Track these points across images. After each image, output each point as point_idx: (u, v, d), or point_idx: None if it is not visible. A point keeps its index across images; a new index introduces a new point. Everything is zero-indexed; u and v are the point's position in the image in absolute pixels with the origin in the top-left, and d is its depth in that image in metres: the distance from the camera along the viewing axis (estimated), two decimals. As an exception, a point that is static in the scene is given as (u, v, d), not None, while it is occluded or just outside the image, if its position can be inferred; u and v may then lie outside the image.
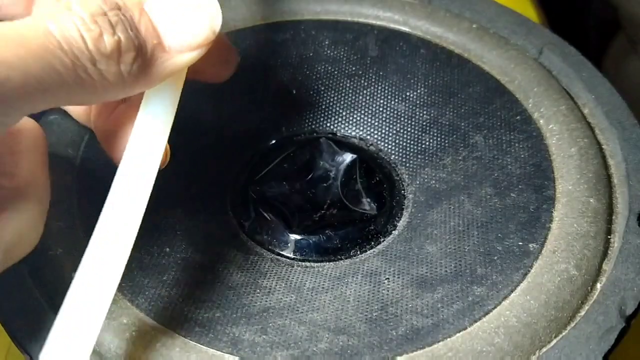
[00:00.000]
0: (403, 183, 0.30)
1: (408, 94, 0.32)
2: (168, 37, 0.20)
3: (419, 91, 0.31)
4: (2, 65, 0.16)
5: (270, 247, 0.28)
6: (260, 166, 0.31)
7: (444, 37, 0.32)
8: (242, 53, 0.32)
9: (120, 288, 0.23)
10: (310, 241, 0.28)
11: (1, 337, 0.23)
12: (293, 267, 0.27)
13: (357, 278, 0.25)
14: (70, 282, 0.20)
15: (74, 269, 0.23)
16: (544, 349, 0.21)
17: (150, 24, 0.19)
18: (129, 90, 0.20)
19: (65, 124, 0.28)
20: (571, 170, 0.26)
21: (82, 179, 0.27)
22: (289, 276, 0.26)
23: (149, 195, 0.20)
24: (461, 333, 0.22)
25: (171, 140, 0.27)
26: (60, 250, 0.23)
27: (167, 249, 0.25)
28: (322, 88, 0.32)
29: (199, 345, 0.21)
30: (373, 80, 0.32)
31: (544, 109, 0.29)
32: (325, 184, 0.29)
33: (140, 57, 0.19)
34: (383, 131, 0.31)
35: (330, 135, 0.32)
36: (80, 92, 0.18)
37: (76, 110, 0.27)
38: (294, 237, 0.28)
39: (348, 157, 0.30)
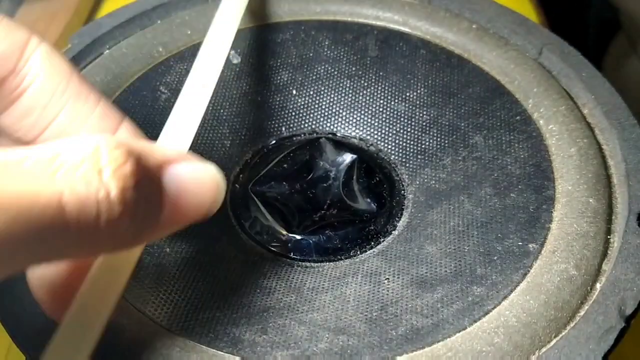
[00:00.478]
0: (403, 183, 0.30)
1: (408, 94, 0.32)
2: (179, 209, 0.17)
3: (419, 91, 0.31)
4: None
5: (270, 247, 0.28)
6: (260, 166, 0.31)
7: (443, 38, 0.32)
8: (242, 53, 0.33)
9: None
10: (310, 241, 0.28)
11: (1, 337, 0.23)
12: (293, 267, 0.27)
13: (357, 278, 0.25)
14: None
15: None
16: (544, 349, 0.21)
17: (170, 195, 0.17)
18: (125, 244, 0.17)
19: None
20: (571, 170, 0.26)
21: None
22: (289, 276, 0.26)
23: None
24: (461, 333, 0.22)
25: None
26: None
27: (167, 249, 0.25)
28: (322, 88, 0.32)
29: (199, 345, 0.21)
30: (373, 80, 0.32)
31: (543, 109, 0.29)
32: (325, 184, 0.29)
33: (146, 226, 0.16)
34: (383, 131, 0.32)
35: (330, 135, 0.32)
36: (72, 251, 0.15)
37: None
38: (294, 237, 0.28)
39: (348, 157, 0.30)
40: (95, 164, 0.14)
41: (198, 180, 0.18)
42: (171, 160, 0.17)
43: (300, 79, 0.33)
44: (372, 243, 0.28)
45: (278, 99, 0.32)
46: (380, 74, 0.32)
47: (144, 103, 0.30)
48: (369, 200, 0.29)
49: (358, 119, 0.32)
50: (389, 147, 0.31)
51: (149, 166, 0.16)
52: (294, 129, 0.32)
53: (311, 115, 0.32)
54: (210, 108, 0.31)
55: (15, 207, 0.13)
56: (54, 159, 0.14)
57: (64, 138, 0.15)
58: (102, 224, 0.14)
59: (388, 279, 0.25)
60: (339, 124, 0.32)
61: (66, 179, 0.14)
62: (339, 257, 0.27)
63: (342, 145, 0.31)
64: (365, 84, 0.32)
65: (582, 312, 0.22)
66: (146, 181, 0.16)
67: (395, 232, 0.28)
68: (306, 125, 0.32)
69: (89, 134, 0.18)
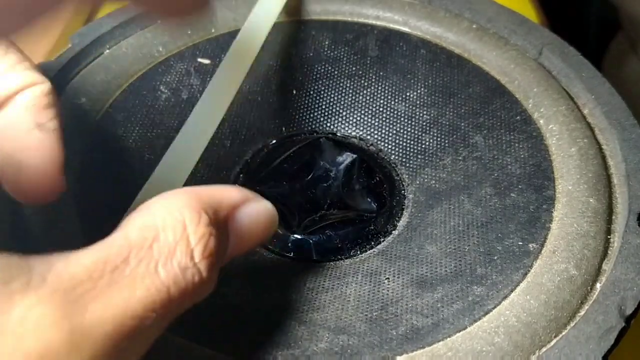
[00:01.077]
0: (403, 183, 0.30)
1: (408, 94, 0.32)
2: (242, 245, 0.19)
3: (419, 91, 0.31)
4: None
5: (270, 247, 0.28)
6: (260, 166, 0.31)
7: (443, 37, 0.32)
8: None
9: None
10: (310, 241, 0.28)
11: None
12: (293, 267, 0.27)
13: (357, 278, 0.25)
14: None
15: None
16: (544, 349, 0.21)
17: (235, 235, 0.19)
18: None
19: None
20: (571, 170, 0.26)
21: (83, 180, 0.27)
22: (289, 276, 0.26)
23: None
24: (461, 333, 0.22)
25: (171, 139, 0.27)
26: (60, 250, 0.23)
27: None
28: (322, 88, 0.32)
29: (199, 345, 0.21)
30: (373, 80, 0.32)
31: (544, 109, 0.29)
32: (325, 184, 0.29)
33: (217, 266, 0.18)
34: (383, 131, 0.32)
35: (330, 135, 0.32)
36: None
37: None
38: (294, 237, 0.28)
39: (348, 157, 0.30)
40: (187, 247, 0.16)
41: (259, 219, 0.19)
42: (238, 205, 0.19)
43: (300, 79, 0.33)
44: (372, 243, 0.28)
45: (278, 99, 0.32)
46: (381, 73, 0.32)
47: (144, 103, 0.30)
48: (369, 200, 0.29)
49: (358, 118, 0.32)
50: (389, 147, 0.31)
51: (221, 219, 0.18)
52: (294, 129, 0.32)
53: (311, 115, 0.32)
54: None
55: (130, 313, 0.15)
56: (151, 247, 0.16)
57: (148, 207, 0.17)
58: (192, 294, 0.16)
59: (388, 278, 0.25)
60: (339, 123, 0.32)
61: (167, 270, 0.16)
62: (339, 257, 0.27)
63: (342, 145, 0.31)
64: (366, 84, 0.32)
65: (582, 312, 0.22)
66: (222, 232, 0.18)
67: (396, 232, 0.28)
68: (306, 125, 0.32)
69: (171, 193, 0.18)
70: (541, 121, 0.28)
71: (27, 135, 0.20)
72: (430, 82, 0.31)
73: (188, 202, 0.17)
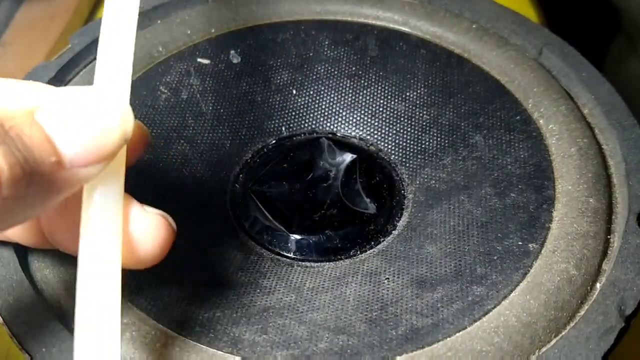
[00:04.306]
0: (403, 183, 0.30)
1: (408, 94, 0.32)
2: (68, 151, 0.16)
3: (419, 91, 0.31)
4: None
5: (270, 247, 0.28)
6: (260, 166, 0.31)
7: (443, 37, 0.32)
8: (242, 53, 0.33)
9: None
10: (310, 241, 0.28)
11: (1, 337, 0.23)
12: (293, 267, 0.27)
13: (357, 278, 0.25)
14: (70, 281, 0.20)
15: (74, 268, 0.23)
16: (544, 349, 0.21)
17: (45, 139, 0.16)
18: (32, 211, 0.17)
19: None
20: (571, 170, 0.26)
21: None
22: (289, 276, 0.26)
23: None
24: (461, 333, 0.22)
25: (171, 139, 0.27)
26: (60, 250, 0.23)
27: (167, 249, 0.25)
28: (322, 88, 0.32)
29: (199, 344, 0.21)
30: (373, 80, 0.32)
31: (544, 109, 0.29)
32: (325, 184, 0.29)
33: (34, 182, 0.15)
34: (383, 131, 0.32)
35: (330, 135, 0.32)
36: None
37: (26, 239, 0.22)
38: (294, 237, 0.28)
39: (348, 157, 0.30)
40: None
41: (85, 106, 0.16)
42: (39, 105, 0.16)
43: (300, 79, 0.33)
44: (372, 243, 0.28)
45: (278, 99, 0.32)
46: (380, 73, 0.32)
47: (144, 103, 0.30)
48: (369, 200, 0.29)
49: (358, 118, 0.32)
50: (389, 146, 0.31)
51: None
52: (294, 129, 0.32)
53: (311, 115, 0.32)
54: (211, 108, 0.31)
55: None
56: None
57: None
58: None
59: (388, 278, 0.25)
60: (339, 123, 0.32)
61: None
62: (339, 257, 0.27)
63: (342, 145, 0.31)
64: (365, 84, 0.32)
65: (582, 312, 0.22)
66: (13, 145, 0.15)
67: (395, 232, 0.28)
68: (306, 125, 0.32)
69: None
70: (541, 121, 0.29)
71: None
72: (430, 82, 0.31)
73: None
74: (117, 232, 0.18)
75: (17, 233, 0.21)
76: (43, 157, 0.15)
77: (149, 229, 0.20)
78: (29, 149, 0.15)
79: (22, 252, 0.24)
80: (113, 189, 0.18)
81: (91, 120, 0.16)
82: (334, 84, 0.32)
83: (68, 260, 0.23)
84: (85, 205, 0.18)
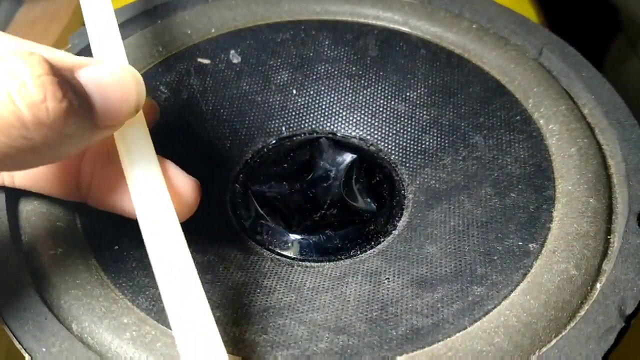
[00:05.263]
0: (403, 183, 0.30)
1: (408, 94, 0.32)
2: (99, 112, 0.19)
3: (419, 91, 0.31)
4: None
5: (270, 247, 0.28)
6: (260, 166, 0.31)
7: (443, 37, 0.32)
8: (242, 53, 0.33)
9: (121, 287, 0.23)
10: (310, 241, 0.28)
11: (1, 337, 0.23)
12: (293, 267, 0.27)
13: (357, 278, 0.25)
14: (71, 282, 0.19)
15: (74, 268, 0.23)
16: (544, 349, 0.21)
17: (85, 94, 0.18)
18: (74, 146, 0.19)
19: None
20: (571, 170, 0.26)
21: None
22: (289, 276, 0.26)
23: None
24: (461, 333, 0.22)
25: (171, 139, 0.27)
26: (60, 250, 0.23)
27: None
28: (322, 88, 0.32)
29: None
30: (373, 80, 0.32)
31: (544, 109, 0.29)
32: (325, 184, 0.29)
33: (78, 115, 0.18)
34: (383, 131, 0.32)
35: (330, 135, 0.32)
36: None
37: (55, 189, 0.24)
38: (294, 237, 0.28)
39: (348, 157, 0.30)
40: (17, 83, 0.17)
41: (115, 76, 0.19)
42: (80, 65, 0.19)
43: (300, 79, 0.33)
44: (372, 243, 0.28)
45: (278, 99, 0.32)
46: (381, 73, 0.32)
47: (144, 103, 0.30)
48: (369, 200, 0.29)
49: (358, 118, 0.32)
50: (389, 147, 0.31)
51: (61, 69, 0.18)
52: (294, 129, 0.32)
53: (311, 115, 0.32)
54: (210, 108, 0.31)
55: None
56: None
57: None
58: (28, 118, 0.17)
59: (388, 278, 0.25)
60: (339, 123, 0.32)
61: None
62: (339, 257, 0.27)
63: (342, 145, 0.31)
64: (366, 84, 0.32)
65: (582, 312, 0.22)
66: (64, 81, 0.17)
67: (396, 232, 0.28)
68: (306, 125, 0.32)
69: None
70: (541, 121, 0.29)
71: None
72: (430, 82, 0.31)
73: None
74: (163, 185, 0.21)
75: (46, 182, 0.24)
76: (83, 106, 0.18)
77: (188, 184, 0.23)
78: (75, 88, 0.18)
79: (23, 251, 0.24)
80: (146, 149, 0.22)
81: (116, 89, 0.19)
82: (334, 84, 0.32)
83: (67, 261, 0.23)
84: (126, 164, 0.21)
